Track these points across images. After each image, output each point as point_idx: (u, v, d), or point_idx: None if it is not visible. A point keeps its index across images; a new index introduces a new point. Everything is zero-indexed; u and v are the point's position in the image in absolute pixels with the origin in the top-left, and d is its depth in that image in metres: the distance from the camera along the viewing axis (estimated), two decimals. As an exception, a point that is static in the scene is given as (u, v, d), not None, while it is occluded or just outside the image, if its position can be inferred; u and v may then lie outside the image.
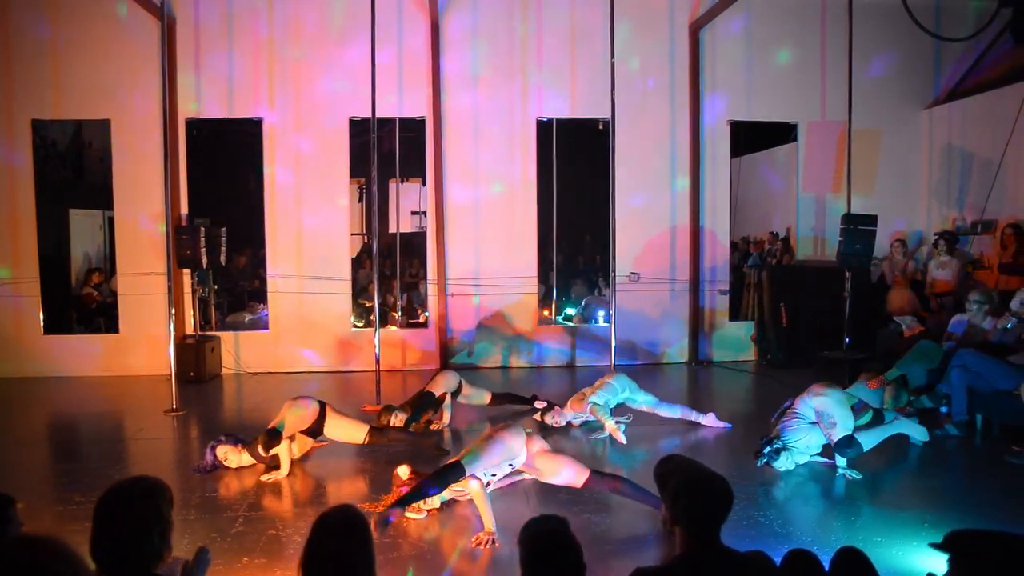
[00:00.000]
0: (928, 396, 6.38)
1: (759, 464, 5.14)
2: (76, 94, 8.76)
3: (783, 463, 5.10)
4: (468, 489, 4.09)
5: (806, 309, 8.72)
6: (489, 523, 3.97)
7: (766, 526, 4.19)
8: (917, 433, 5.61)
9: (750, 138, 10.42)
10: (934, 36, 7.95)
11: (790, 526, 4.20)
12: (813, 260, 9.51)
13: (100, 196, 9.67)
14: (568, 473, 4.28)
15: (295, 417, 5.21)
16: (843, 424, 5.07)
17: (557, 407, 6.36)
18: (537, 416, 6.43)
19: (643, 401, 6.32)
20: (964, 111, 9.09)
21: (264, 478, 5.01)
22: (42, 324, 8.90)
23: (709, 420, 6.28)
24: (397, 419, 5.95)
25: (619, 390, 6.21)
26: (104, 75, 8.74)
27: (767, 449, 5.12)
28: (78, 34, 8.70)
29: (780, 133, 10.12)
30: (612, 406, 6.13)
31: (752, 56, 9.43)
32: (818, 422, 5.13)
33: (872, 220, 7.20)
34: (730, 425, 6.28)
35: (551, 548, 2.14)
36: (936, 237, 8.49)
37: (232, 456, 5.17)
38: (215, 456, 5.17)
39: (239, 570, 3.64)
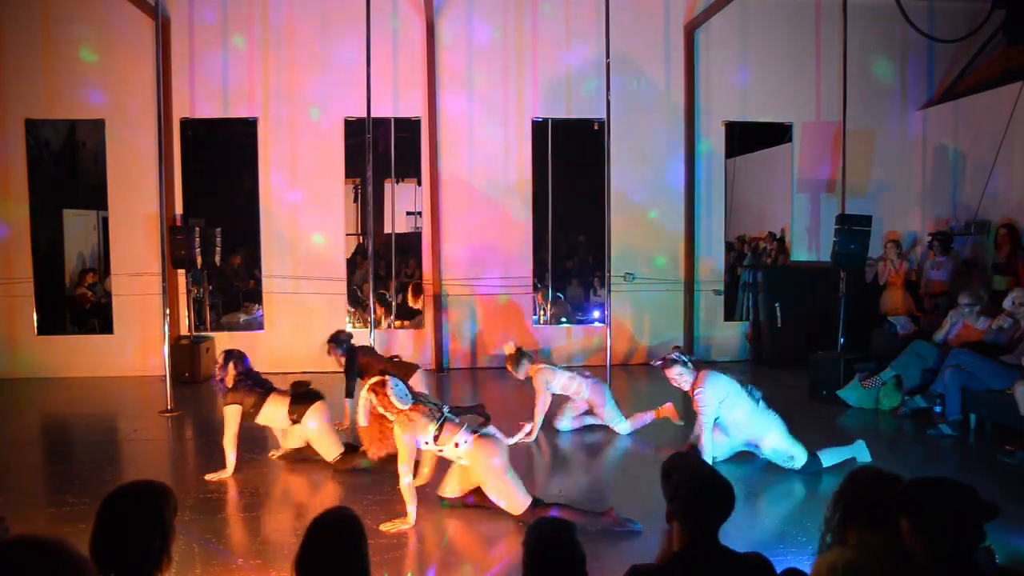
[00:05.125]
0: (922, 396, 6.41)
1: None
2: (70, 94, 8.73)
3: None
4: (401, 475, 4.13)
5: (801, 309, 8.73)
6: (410, 514, 4.14)
7: (759, 525, 4.21)
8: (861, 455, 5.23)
9: (745, 138, 10.42)
10: (928, 37, 7.97)
11: (783, 524, 4.21)
12: (808, 260, 9.53)
13: (94, 196, 9.64)
14: (508, 501, 4.13)
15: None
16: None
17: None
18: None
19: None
20: (958, 112, 9.11)
21: (209, 477, 4.96)
22: (36, 324, 8.87)
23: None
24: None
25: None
26: (98, 75, 8.72)
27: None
28: (72, 33, 8.67)
29: (775, 133, 10.14)
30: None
31: (747, 57, 9.45)
32: None
33: (867, 220, 7.22)
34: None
35: (553, 554, 2.13)
36: (930, 238, 8.52)
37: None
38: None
39: (234, 571, 3.64)
